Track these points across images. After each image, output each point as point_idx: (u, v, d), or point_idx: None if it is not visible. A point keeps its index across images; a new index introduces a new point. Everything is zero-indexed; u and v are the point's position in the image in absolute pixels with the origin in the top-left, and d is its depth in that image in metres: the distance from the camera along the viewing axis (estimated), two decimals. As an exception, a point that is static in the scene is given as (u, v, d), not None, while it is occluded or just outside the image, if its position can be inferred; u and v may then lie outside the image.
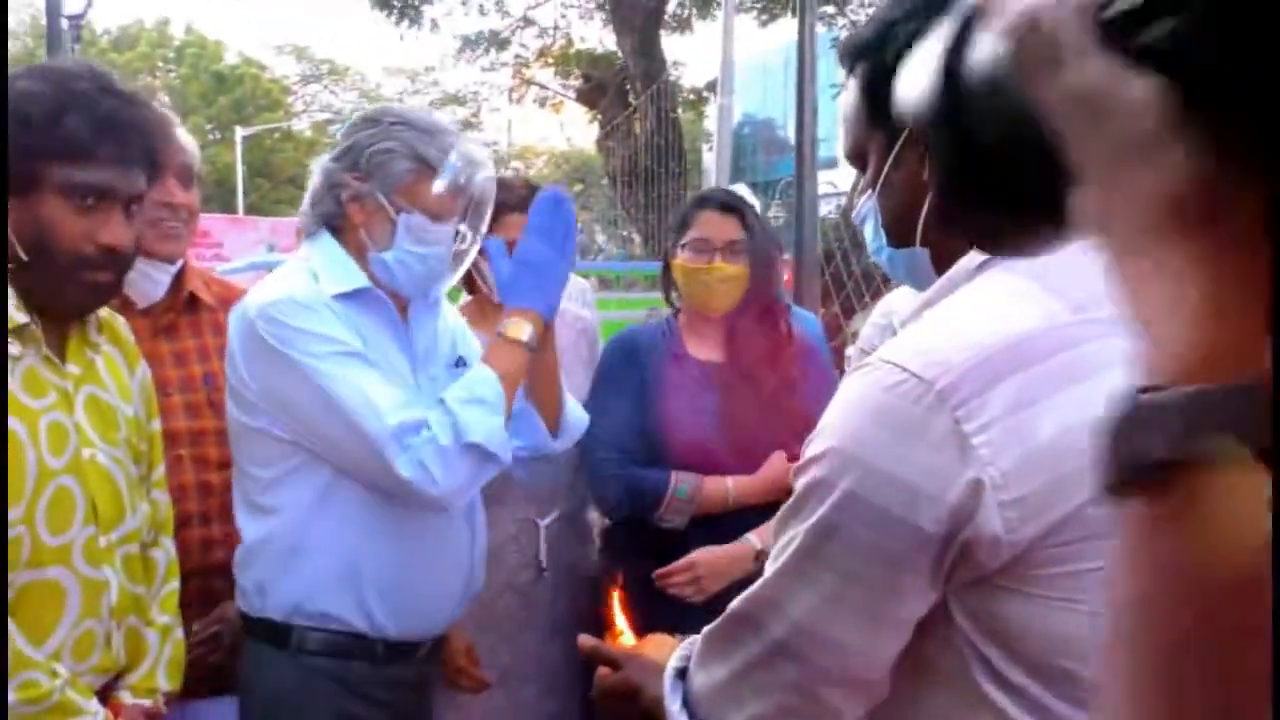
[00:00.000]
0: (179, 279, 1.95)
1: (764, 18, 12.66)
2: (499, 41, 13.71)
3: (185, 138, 1.97)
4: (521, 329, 1.70)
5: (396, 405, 1.62)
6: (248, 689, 1.75)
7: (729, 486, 2.11)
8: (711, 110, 16.59)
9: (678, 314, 2.30)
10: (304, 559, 1.69)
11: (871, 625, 0.88)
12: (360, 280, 1.73)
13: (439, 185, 1.71)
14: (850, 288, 5.24)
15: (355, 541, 1.68)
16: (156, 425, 1.71)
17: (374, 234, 1.73)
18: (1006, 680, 0.85)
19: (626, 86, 12.29)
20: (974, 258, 0.93)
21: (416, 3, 12.55)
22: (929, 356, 0.85)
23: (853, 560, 0.86)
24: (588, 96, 12.62)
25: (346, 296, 1.71)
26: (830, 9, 12.36)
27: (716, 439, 2.11)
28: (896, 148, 0.98)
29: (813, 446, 0.89)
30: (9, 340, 1.42)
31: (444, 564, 1.77)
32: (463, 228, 1.77)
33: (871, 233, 1.06)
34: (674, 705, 1.03)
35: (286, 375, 1.63)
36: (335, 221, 1.76)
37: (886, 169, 1.00)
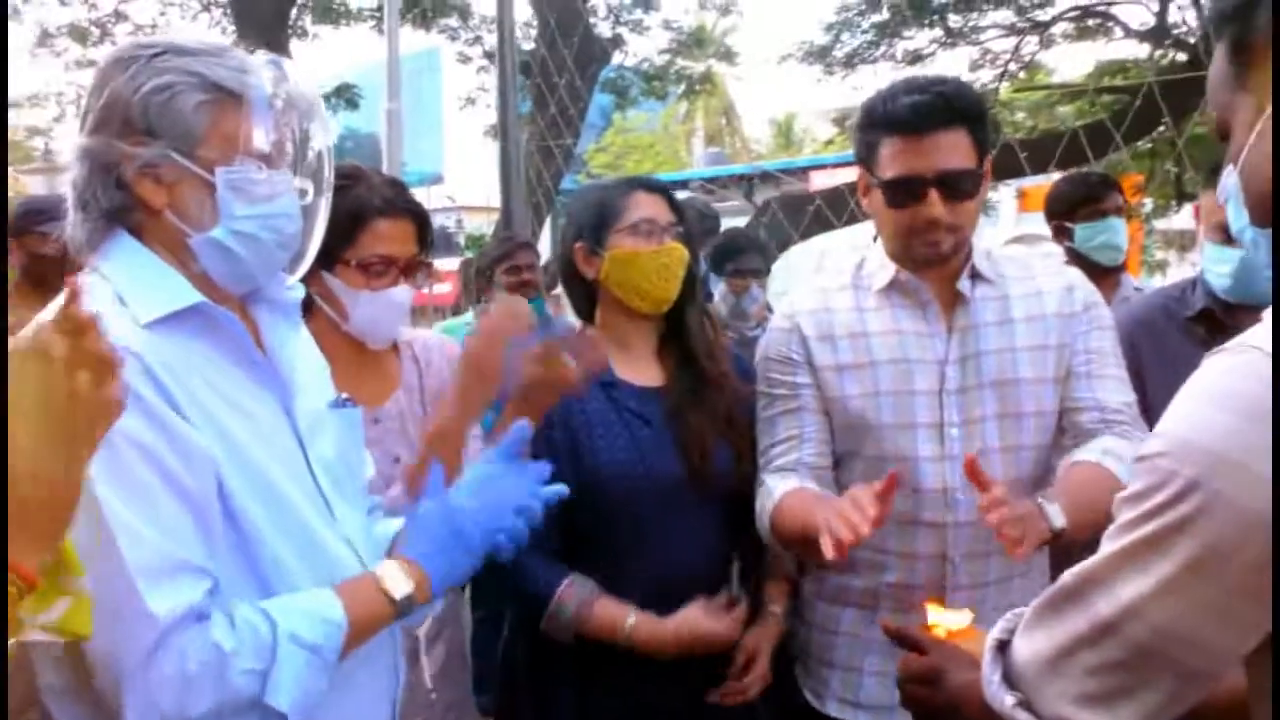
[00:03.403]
0: None
1: (374, 25, 12.30)
2: (87, 36, 12.12)
3: None
4: (399, 584, 1.28)
5: (179, 579, 1.13)
6: None
7: (629, 623, 1.75)
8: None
9: (584, 329, 1.93)
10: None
11: (1209, 618, 0.83)
12: (186, 294, 1.24)
13: (253, 115, 1.24)
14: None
15: None
16: None
17: (187, 212, 1.24)
18: None
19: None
20: None
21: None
22: None
23: (1200, 554, 0.81)
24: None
25: (169, 322, 1.22)
26: (453, 21, 12.31)
27: (670, 482, 1.80)
28: (1264, 117, 0.90)
29: (1160, 435, 0.84)
30: None
31: (365, 661, 1.34)
32: (300, 181, 1.32)
33: (1234, 211, 0.96)
34: (994, 676, 1.01)
35: None
36: (129, 219, 1.26)
37: (1252, 140, 0.91)
